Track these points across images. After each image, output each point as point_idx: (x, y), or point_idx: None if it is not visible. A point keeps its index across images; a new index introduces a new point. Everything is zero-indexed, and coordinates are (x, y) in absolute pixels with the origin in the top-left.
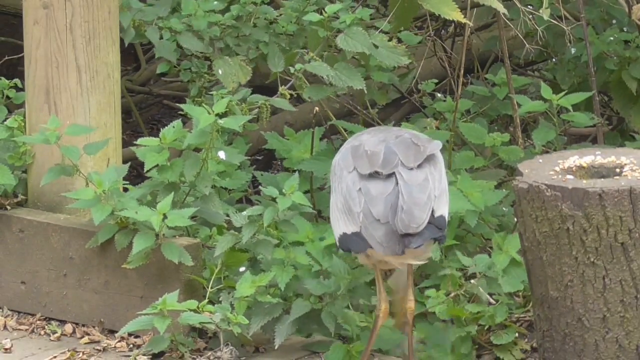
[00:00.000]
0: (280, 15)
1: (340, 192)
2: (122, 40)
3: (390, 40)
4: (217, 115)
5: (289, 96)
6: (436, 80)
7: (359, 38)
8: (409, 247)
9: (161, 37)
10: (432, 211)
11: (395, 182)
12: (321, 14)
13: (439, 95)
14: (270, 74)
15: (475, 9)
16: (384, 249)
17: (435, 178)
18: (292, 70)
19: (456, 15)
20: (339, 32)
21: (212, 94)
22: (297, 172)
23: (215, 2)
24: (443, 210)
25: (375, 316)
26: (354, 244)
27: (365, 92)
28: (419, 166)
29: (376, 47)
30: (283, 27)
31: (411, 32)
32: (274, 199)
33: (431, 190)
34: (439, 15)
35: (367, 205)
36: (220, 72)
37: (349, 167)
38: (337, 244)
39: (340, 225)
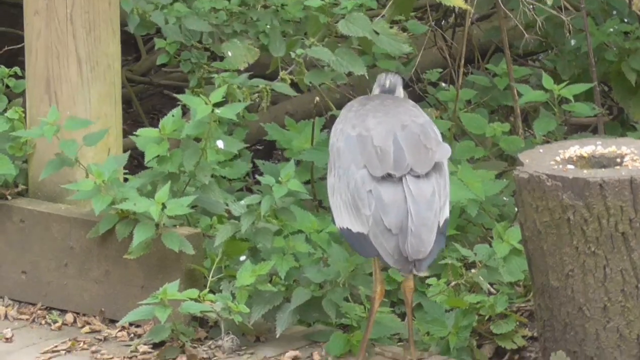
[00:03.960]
0: (285, 5)
1: (347, 186)
2: (122, 30)
3: (392, 28)
4: (214, 105)
5: (289, 81)
6: (440, 70)
7: (360, 23)
8: (419, 271)
9: (166, 22)
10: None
11: (405, 188)
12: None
13: (443, 85)
14: (271, 64)
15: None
16: (394, 262)
17: (441, 186)
18: (293, 55)
19: (457, 1)
20: (341, 18)
21: (212, 84)
22: (292, 160)
23: None
24: (446, 212)
25: (372, 298)
26: (360, 248)
27: (367, 77)
28: (427, 175)
29: (377, 34)
30: (290, 13)
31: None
32: (271, 188)
33: (437, 203)
34: (440, 5)
35: (378, 211)
36: (229, 53)
37: (357, 163)
38: (339, 232)
39: (343, 217)
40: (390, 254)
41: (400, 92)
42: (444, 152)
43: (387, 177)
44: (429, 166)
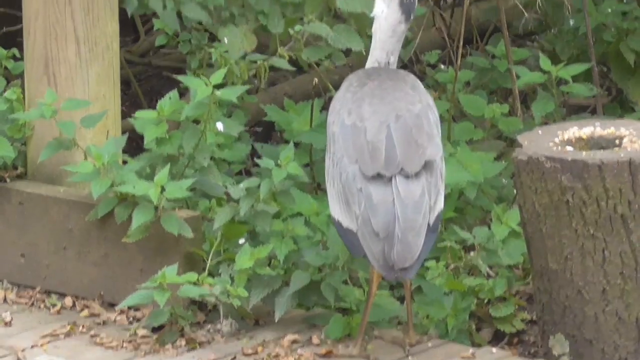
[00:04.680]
0: None
1: (339, 177)
2: (121, 11)
3: None
4: (214, 86)
5: (287, 57)
6: (439, 51)
7: None
8: (404, 278)
9: (164, 7)
10: (432, 217)
11: (394, 189)
12: None
13: (442, 66)
14: (269, 44)
15: None
16: (379, 267)
17: (431, 184)
18: (291, 32)
19: None
20: None
21: (212, 66)
22: (292, 143)
23: None
24: (438, 207)
25: (370, 281)
26: (350, 244)
27: (364, 54)
28: (417, 174)
29: None
30: None
31: None
32: (270, 171)
33: (426, 203)
34: None
35: (367, 211)
36: (225, 40)
37: (350, 156)
38: (332, 220)
39: (335, 208)
40: (376, 259)
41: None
42: (435, 149)
43: (378, 177)
44: (419, 165)
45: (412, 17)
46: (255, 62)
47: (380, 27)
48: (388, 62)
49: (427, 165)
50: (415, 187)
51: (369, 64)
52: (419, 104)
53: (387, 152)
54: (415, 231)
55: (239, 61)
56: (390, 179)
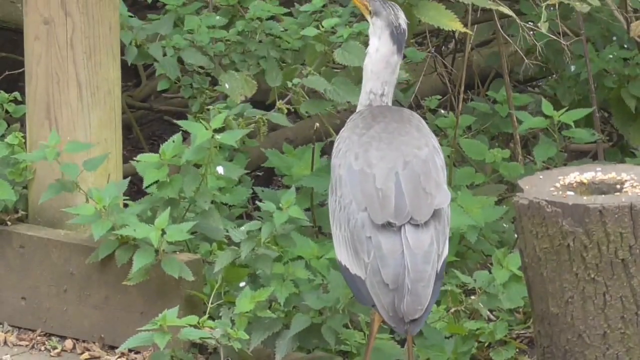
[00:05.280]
0: (286, 30)
1: (347, 222)
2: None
3: None
4: (214, 130)
5: (286, 110)
6: (439, 97)
7: (356, 52)
8: (413, 333)
9: (164, 55)
10: (439, 265)
11: (403, 239)
12: (319, 28)
13: (442, 111)
14: (269, 94)
15: (475, 25)
16: (388, 318)
17: (439, 232)
18: (289, 85)
19: (456, 25)
20: (338, 46)
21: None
22: (294, 187)
23: (218, 18)
24: (445, 253)
25: (371, 324)
26: (357, 292)
27: None
28: (426, 223)
29: None
30: (288, 42)
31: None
32: (271, 214)
33: (435, 252)
34: (439, 30)
35: (376, 260)
36: (227, 86)
37: (359, 202)
38: (338, 263)
39: (342, 253)
40: (386, 310)
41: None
42: (443, 197)
43: (387, 225)
44: (428, 215)
45: (403, 48)
46: (254, 117)
47: (372, 60)
48: (383, 94)
49: (436, 214)
50: (425, 237)
51: (363, 96)
52: (425, 148)
53: (396, 201)
54: (425, 282)
55: (238, 116)
56: (399, 228)
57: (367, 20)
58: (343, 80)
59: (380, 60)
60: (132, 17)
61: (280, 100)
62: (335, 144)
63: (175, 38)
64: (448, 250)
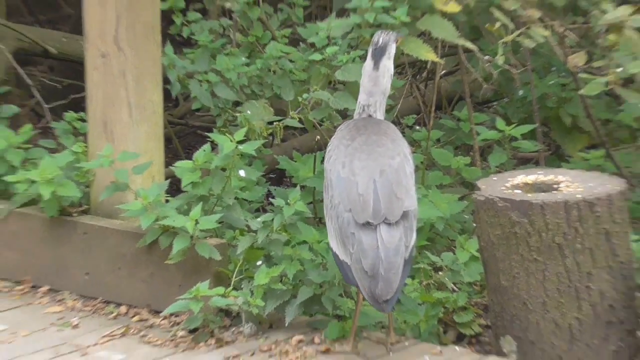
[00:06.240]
0: (292, 62)
1: (337, 217)
2: (164, 81)
3: None
4: (237, 142)
5: (297, 119)
6: (415, 115)
7: (353, 71)
8: (386, 310)
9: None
10: (407, 253)
11: (378, 236)
12: (322, 54)
13: (417, 127)
14: (283, 110)
15: (444, 58)
16: (367, 297)
17: (407, 228)
18: (300, 99)
19: (432, 56)
20: (338, 69)
21: (236, 125)
22: (300, 186)
23: (243, 59)
24: (412, 242)
25: (358, 294)
26: (344, 274)
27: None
28: (396, 222)
29: None
30: (296, 75)
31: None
32: (281, 208)
33: (403, 245)
34: (416, 62)
35: (358, 252)
36: (248, 112)
37: (345, 204)
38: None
39: (333, 242)
40: (365, 291)
41: (392, 50)
42: (410, 201)
43: (367, 224)
44: (398, 215)
45: (380, 64)
46: (272, 123)
47: (362, 76)
48: (369, 104)
49: (404, 214)
50: (395, 234)
51: (358, 105)
52: (397, 157)
53: (374, 204)
54: (395, 270)
55: (259, 122)
56: (376, 227)
57: (360, 49)
58: (342, 93)
59: (365, 74)
60: (175, 54)
61: (293, 111)
62: (327, 149)
63: (209, 75)
64: (416, 240)
